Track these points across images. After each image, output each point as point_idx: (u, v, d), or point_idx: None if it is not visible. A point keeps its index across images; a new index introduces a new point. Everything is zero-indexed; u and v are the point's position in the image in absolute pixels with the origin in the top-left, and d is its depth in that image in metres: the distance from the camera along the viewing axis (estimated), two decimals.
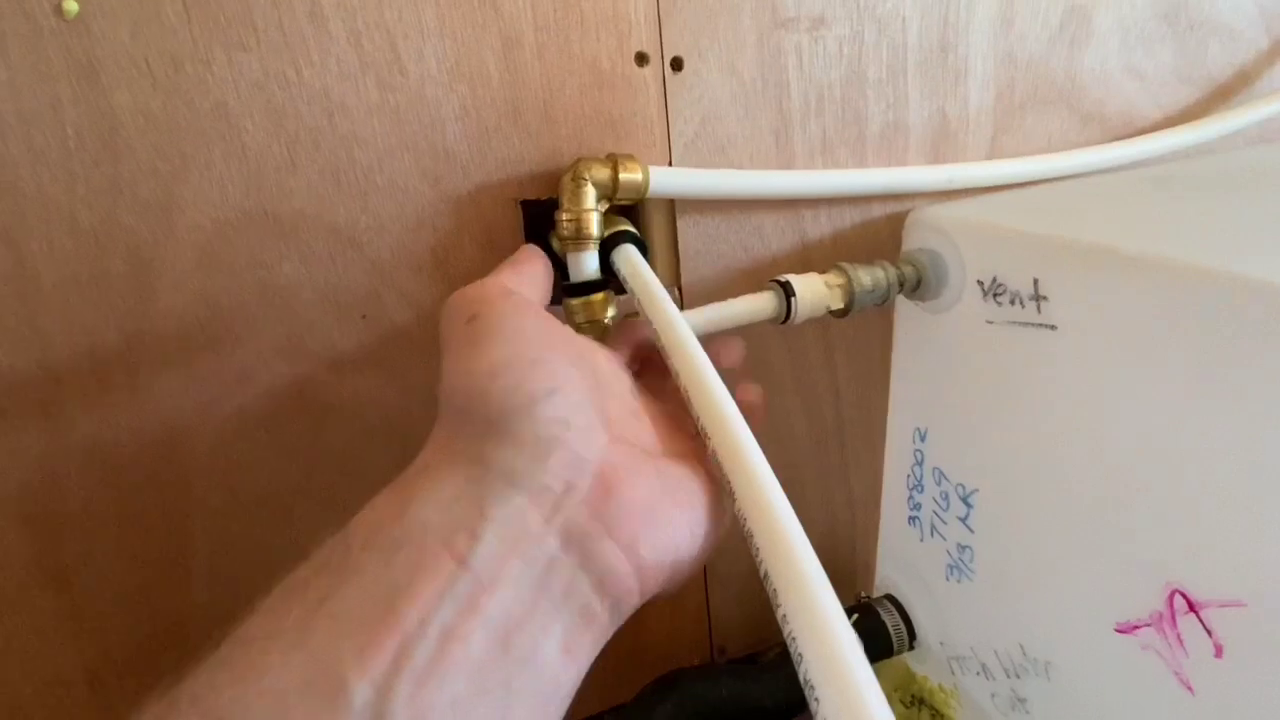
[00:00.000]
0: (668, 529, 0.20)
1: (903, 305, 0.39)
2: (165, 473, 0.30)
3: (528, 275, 0.25)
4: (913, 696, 0.47)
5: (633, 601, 0.19)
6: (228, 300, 0.29)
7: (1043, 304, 0.30)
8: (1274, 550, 0.22)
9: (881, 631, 0.45)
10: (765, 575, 0.19)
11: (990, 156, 0.39)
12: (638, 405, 0.24)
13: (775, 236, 0.37)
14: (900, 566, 0.45)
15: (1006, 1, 0.36)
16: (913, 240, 0.37)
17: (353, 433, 0.32)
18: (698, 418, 0.23)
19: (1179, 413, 0.25)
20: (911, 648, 0.45)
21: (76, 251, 0.27)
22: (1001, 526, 0.35)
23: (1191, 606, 0.25)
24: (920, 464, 0.40)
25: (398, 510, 0.17)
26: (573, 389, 0.20)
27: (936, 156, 0.38)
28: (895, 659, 0.46)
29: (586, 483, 0.19)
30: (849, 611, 0.45)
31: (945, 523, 0.39)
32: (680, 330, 0.26)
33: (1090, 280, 0.28)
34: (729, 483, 0.21)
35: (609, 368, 0.25)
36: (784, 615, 0.18)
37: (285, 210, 0.28)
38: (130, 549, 0.31)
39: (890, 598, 0.46)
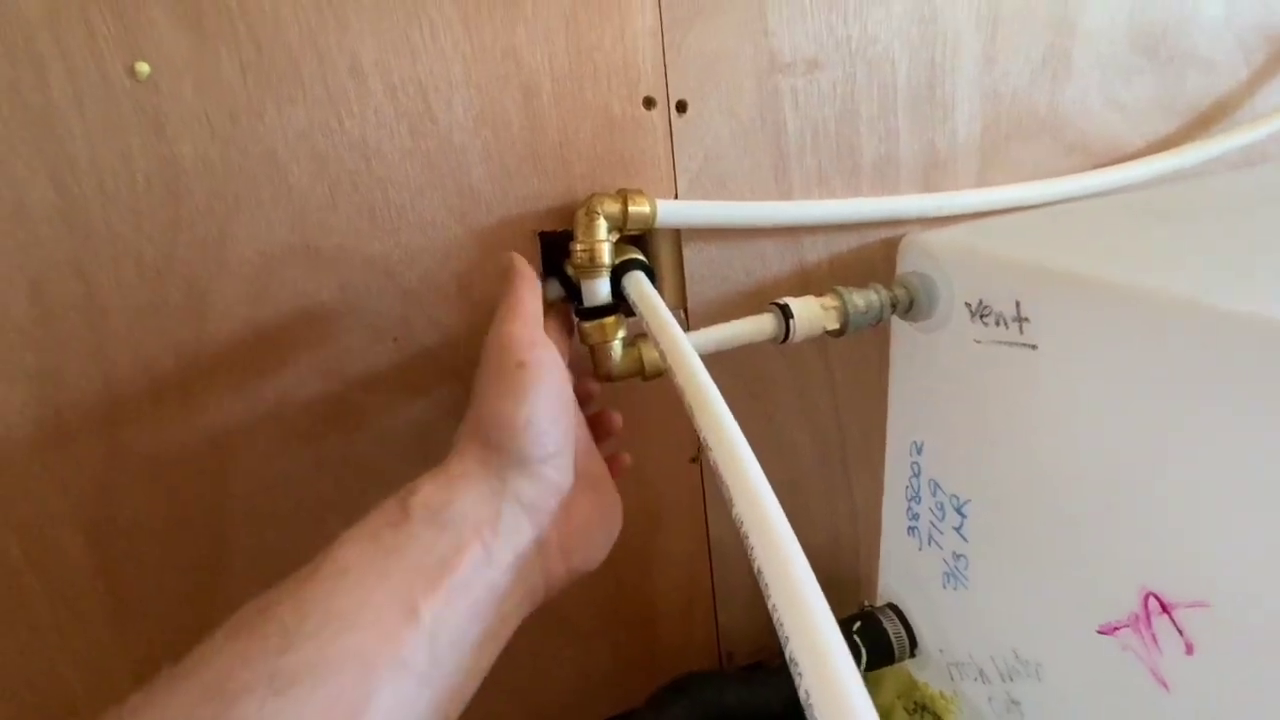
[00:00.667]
0: (594, 547, 0.29)
1: (898, 325, 0.42)
2: (210, 485, 0.33)
3: (534, 310, 0.28)
4: (915, 703, 0.48)
5: (559, 586, 0.27)
6: (273, 327, 0.31)
7: (1024, 325, 0.32)
8: (1232, 555, 0.24)
9: (884, 639, 0.46)
10: (766, 592, 0.21)
11: (979, 185, 0.41)
12: (590, 441, 0.30)
13: (776, 261, 0.39)
14: (901, 576, 0.47)
15: (989, 41, 0.39)
16: (906, 264, 0.39)
17: (381, 447, 0.35)
18: (701, 433, 0.25)
19: (1149, 430, 0.27)
20: (913, 655, 0.47)
21: (140, 284, 0.30)
22: (993, 535, 0.37)
23: (1164, 608, 0.27)
24: (917, 476, 0.42)
25: (446, 500, 0.24)
26: (570, 447, 0.27)
27: (927, 185, 0.40)
28: (899, 667, 0.48)
29: (557, 512, 0.27)
30: (852, 619, 0.47)
31: (941, 532, 0.40)
32: (684, 350, 0.28)
33: (1067, 304, 0.30)
34: (730, 497, 0.23)
35: (577, 414, 0.30)
36: (785, 635, 0.20)
37: (326, 245, 0.31)
38: (176, 555, 0.34)
39: (893, 606, 0.48)
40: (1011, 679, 0.37)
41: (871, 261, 0.41)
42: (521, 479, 0.25)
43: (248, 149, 0.29)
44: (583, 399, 0.34)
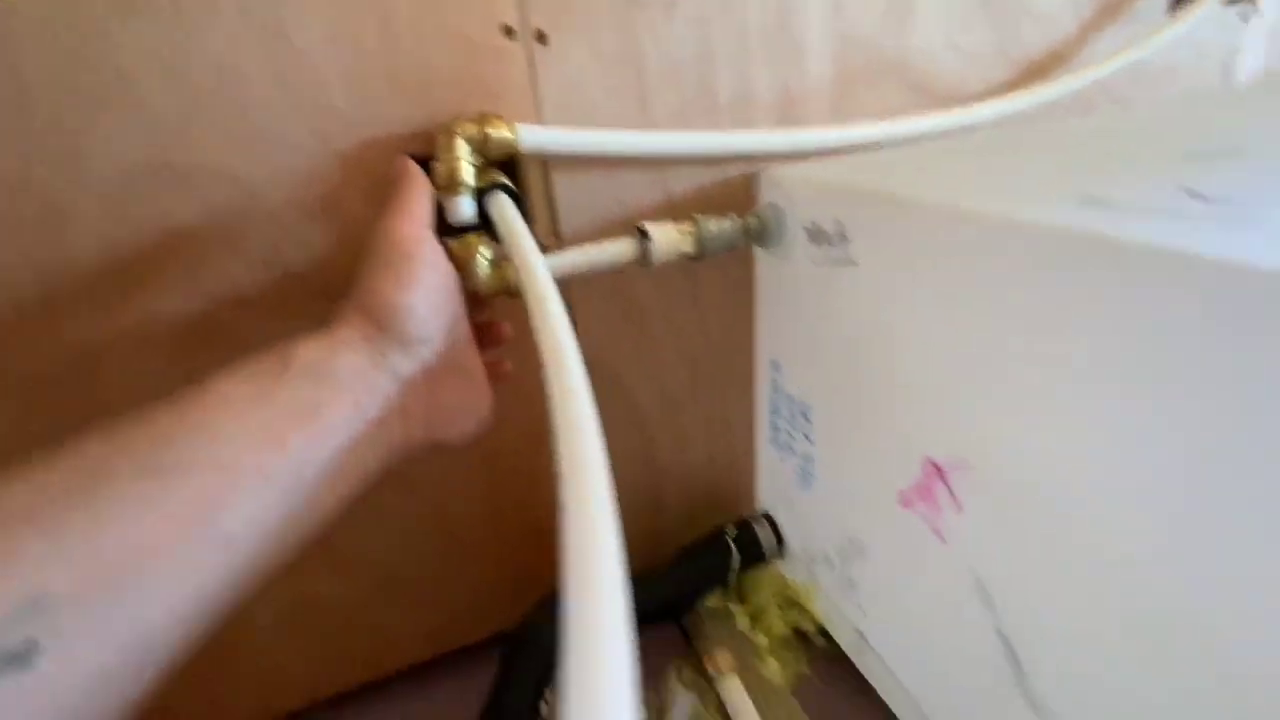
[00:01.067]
0: (456, 426, 0.32)
1: (759, 254, 0.45)
2: (80, 402, 0.34)
3: (422, 210, 0.31)
4: (787, 599, 0.54)
5: (419, 449, 0.31)
6: (136, 245, 0.32)
7: (847, 244, 0.36)
8: (988, 423, 0.29)
9: (755, 543, 0.52)
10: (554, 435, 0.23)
11: (831, 124, 0.45)
12: (470, 338, 0.34)
13: (644, 193, 0.42)
14: (771, 485, 0.52)
15: None
16: (761, 197, 0.43)
17: None
18: (537, 333, 0.28)
19: (931, 323, 0.31)
20: (782, 556, 0.52)
21: None
22: (830, 434, 0.42)
23: (939, 472, 0.32)
24: (777, 391, 0.46)
25: (325, 359, 0.26)
26: (446, 335, 0.31)
27: (783, 124, 0.44)
28: (775, 571, 0.53)
29: (426, 388, 0.30)
30: (733, 527, 0.51)
31: (794, 439, 0.45)
32: (534, 264, 0.31)
33: (876, 221, 0.34)
34: (549, 385, 0.26)
35: (462, 311, 0.33)
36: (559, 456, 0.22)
37: (184, 163, 0.32)
38: None
39: (766, 515, 0.53)
40: (848, 560, 0.42)
41: (734, 195, 0.44)
42: (398, 354, 0.28)
43: (95, 64, 0.29)
44: (478, 306, 0.36)
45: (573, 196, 0.40)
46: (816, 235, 0.38)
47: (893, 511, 0.36)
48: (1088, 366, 0.24)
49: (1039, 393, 0.26)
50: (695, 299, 0.47)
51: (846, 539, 0.42)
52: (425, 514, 0.46)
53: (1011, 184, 0.33)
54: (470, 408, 0.33)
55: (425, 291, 0.29)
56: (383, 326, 0.28)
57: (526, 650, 0.44)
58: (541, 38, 0.36)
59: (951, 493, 0.31)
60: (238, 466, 0.22)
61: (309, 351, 0.26)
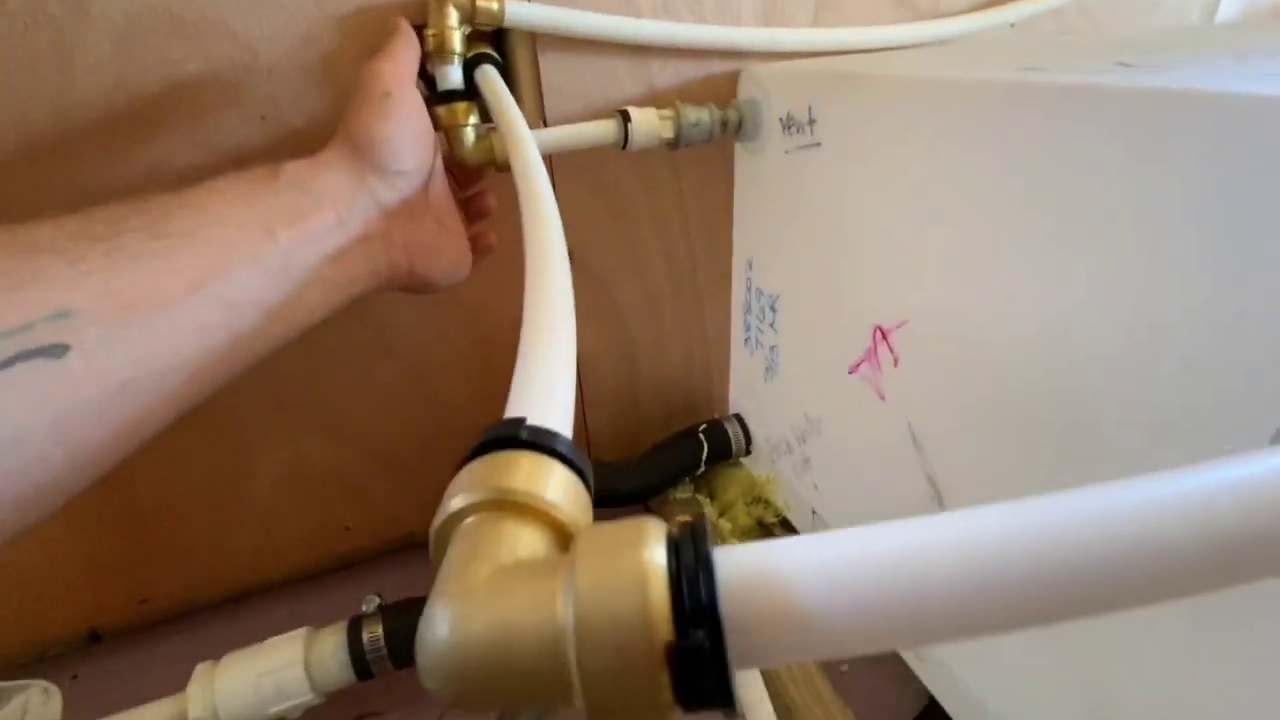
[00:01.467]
0: (435, 269, 0.35)
1: (739, 153, 0.47)
2: None
3: (407, 59, 0.33)
4: (755, 497, 0.57)
5: (401, 281, 0.33)
6: (143, 92, 0.34)
7: (814, 126, 0.38)
8: (925, 280, 0.31)
9: (724, 439, 0.55)
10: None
11: (813, 27, 0.46)
12: (450, 196, 0.37)
13: (628, 82, 0.44)
14: (742, 386, 0.55)
15: None
16: (742, 92, 0.45)
17: None
18: (520, 196, 0.30)
19: (883, 191, 0.33)
20: (749, 453, 0.55)
21: (8, 34, 0.32)
22: (793, 321, 0.44)
23: (884, 335, 0.34)
24: (749, 290, 0.49)
25: (311, 176, 0.29)
26: (424, 172, 0.33)
27: (766, 24, 0.45)
28: (744, 472, 0.56)
29: (406, 220, 0.32)
30: (702, 425, 0.54)
31: (762, 332, 0.48)
32: (521, 132, 0.33)
33: (842, 99, 0.36)
34: (527, 241, 0.27)
35: (439, 165, 0.36)
36: None
37: (188, 14, 0.34)
38: None
39: (737, 416, 0.56)
40: (805, 440, 0.45)
41: (717, 92, 0.46)
42: (378, 181, 0.31)
43: None
44: (466, 178, 0.40)
45: (558, 80, 0.42)
46: (789, 124, 0.40)
47: (844, 382, 0.38)
48: (1011, 210, 0.26)
49: (969, 243, 0.28)
50: (679, 201, 0.49)
51: (804, 418, 0.45)
52: (420, 394, 0.48)
53: (964, 65, 0.35)
54: (448, 255, 0.35)
55: (403, 126, 0.31)
56: (364, 154, 0.30)
57: None
58: None
59: (891, 349, 0.34)
60: (232, 246, 0.25)
61: (296, 168, 0.29)
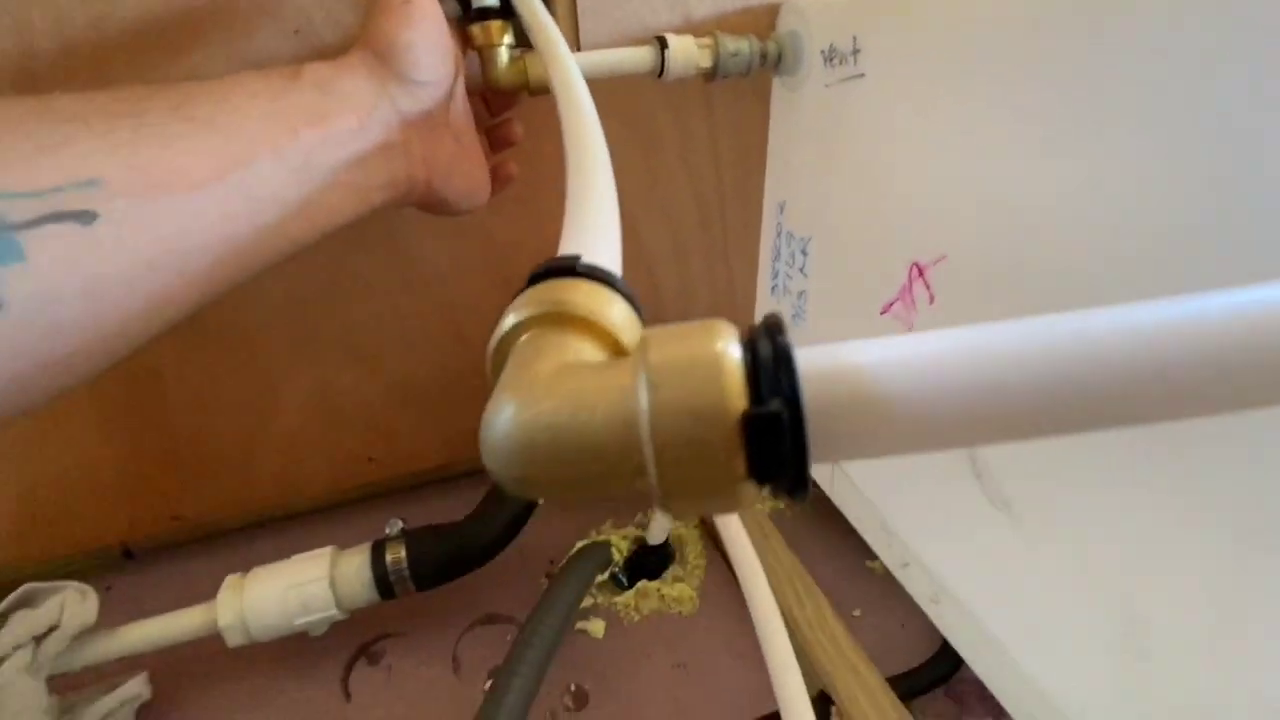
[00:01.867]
0: (453, 188, 0.34)
1: (776, 88, 0.46)
2: None
3: None
4: None
5: (419, 196, 0.33)
6: (178, 3, 0.34)
7: (858, 57, 0.37)
8: (962, 214, 0.30)
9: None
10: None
11: None
12: (470, 116, 0.36)
13: (664, 10, 0.42)
14: None
15: None
16: (782, 24, 0.43)
17: None
18: (562, 116, 0.29)
19: (927, 122, 0.32)
20: None
21: None
22: (824, 264, 0.43)
23: (920, 271, 0.33)
24: (779, 235, 0.48)
25: (333, 77, 0.29)
26: (444, 85, 0.32)
27: None
28: None
29: (425, 131, 0.32)
30: None
31: (791, 277, 0.47)
32: (562, 53, 0.32)
33: (886, 25, 0.34)
34: (569, 157, 0.27)
35: (461, 81, 0.35)
36: None
37: None
38: None
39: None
40: None
41: (755, 24, 0.44)
42: (399, 90, 0.30)
43: None
44: (497, 101, 0.40)
45: (594, 4, 0.41)
46: (831, 55, 0.39)
47: (874, 323, 0.38)
48: (1059, 134, 0.25)
49: (1012, 175, 0.27)
50: (712, 139, 0.48)
51: None
52: (448, 330, 0.49)
53: None
54: (467, 175, 0.35)
55: (424, 33, 0.31)
56: (384, 60, 0.30)
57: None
58: None
59: (927, 286, 0.33)
60: (255, 137, 0.25)
61: (318, 69, 0.29)
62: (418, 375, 0.50)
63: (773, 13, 0.44)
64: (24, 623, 0.36)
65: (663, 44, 0.39)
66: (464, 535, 0.43)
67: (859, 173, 0.38)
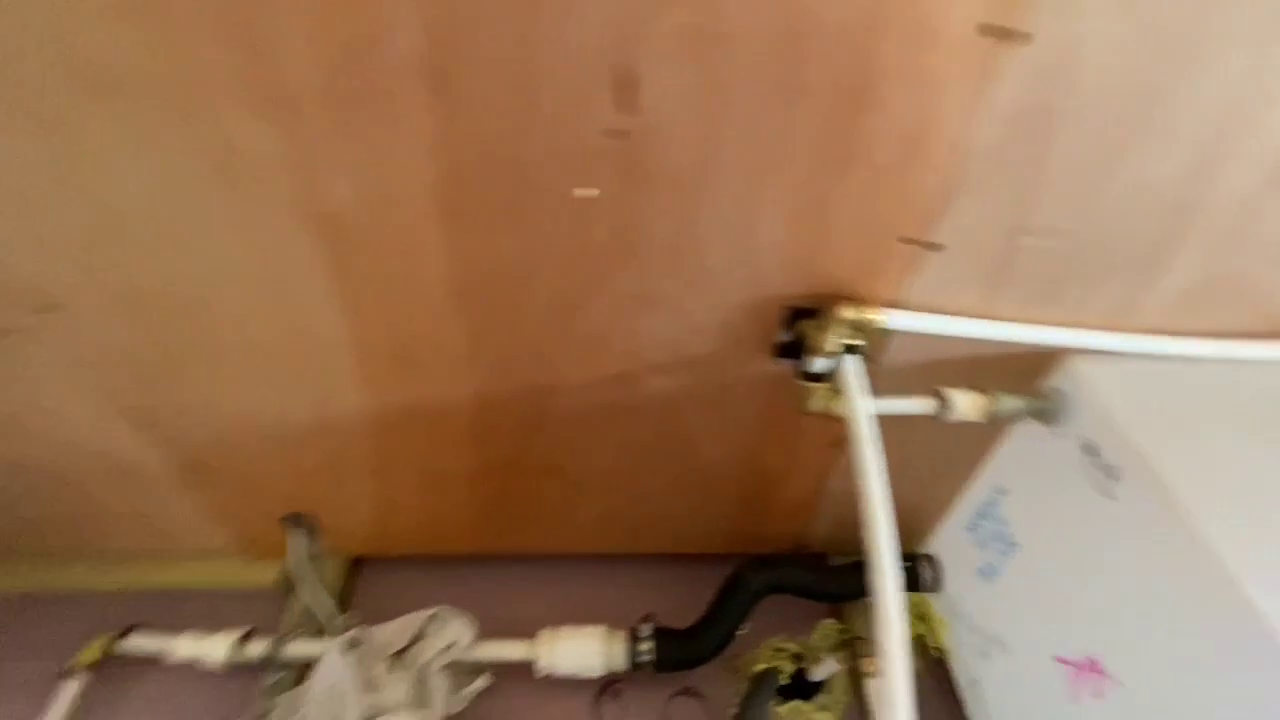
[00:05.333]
0: None
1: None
2: None
3: None
4: (919, 613, 0.70)
5: None
6: None
7: (1116, 483, 0.44)
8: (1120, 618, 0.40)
9: (920, 577, 0.67)
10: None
11: (1162, 327, 0.48)
12: None
13: (953, 347, 0.50)
14: (948, 545, 0.65)
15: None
16: (1058, 378, 0.49)
17: None
18: (856, 462, 0.42)
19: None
20: (935, 592, 0.68)
21: None
22: (1020, 575, 0.53)
23: (1093, 665, 0.44)
24: (993, 505, 0.57)
25: None
26: None
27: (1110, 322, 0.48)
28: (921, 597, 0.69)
29: None
30: (907, 557, 0.67)
31: (988, 549, 0.57)
32: (863, 422, 0.43)
33: (1150, 486, 0.42)
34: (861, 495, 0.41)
35: None
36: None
37: None
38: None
39: (930, 557, 0.67)
40: (987, 646, 0.57)
41: (1028, 367, 0.51)
42: None
43: None
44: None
45: (891, 359, 0.50)
46: (1090, 450, 0.46)
47: (1048, 663, 0.49)
48: None
49: None
50: None
51: (993, 638, 0.56)
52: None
53: None
54: None
55: None
56: None
57: (734, 590, 0.65)
58: (933, 247, 0.43)
59: (1100, 684, 0.44)
60: None
61: None
62: (648, 482, 0.67)
63: (1045, 359, 0.49)
64: (440, 636, 0.62)
65: (942, 398, 0.48)
66: (696, 644, 0.63)
67: (1075, 549, 0.47)
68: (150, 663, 0.65)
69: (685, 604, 0.66)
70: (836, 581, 0.68)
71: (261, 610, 0.69)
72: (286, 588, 0.70)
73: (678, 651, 0.63)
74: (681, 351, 0.51)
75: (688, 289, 0.46)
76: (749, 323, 0.49)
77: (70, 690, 0.63)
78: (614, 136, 0.38)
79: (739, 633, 0.64)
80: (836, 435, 0.58)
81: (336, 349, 0.49)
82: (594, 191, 0.41)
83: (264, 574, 0.72)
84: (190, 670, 0.64)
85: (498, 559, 0.76)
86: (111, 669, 0.66)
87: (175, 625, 0.65)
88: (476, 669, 0.64)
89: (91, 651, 0.65)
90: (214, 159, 0.38)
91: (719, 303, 0.47)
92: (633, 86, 0.36)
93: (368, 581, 0.75)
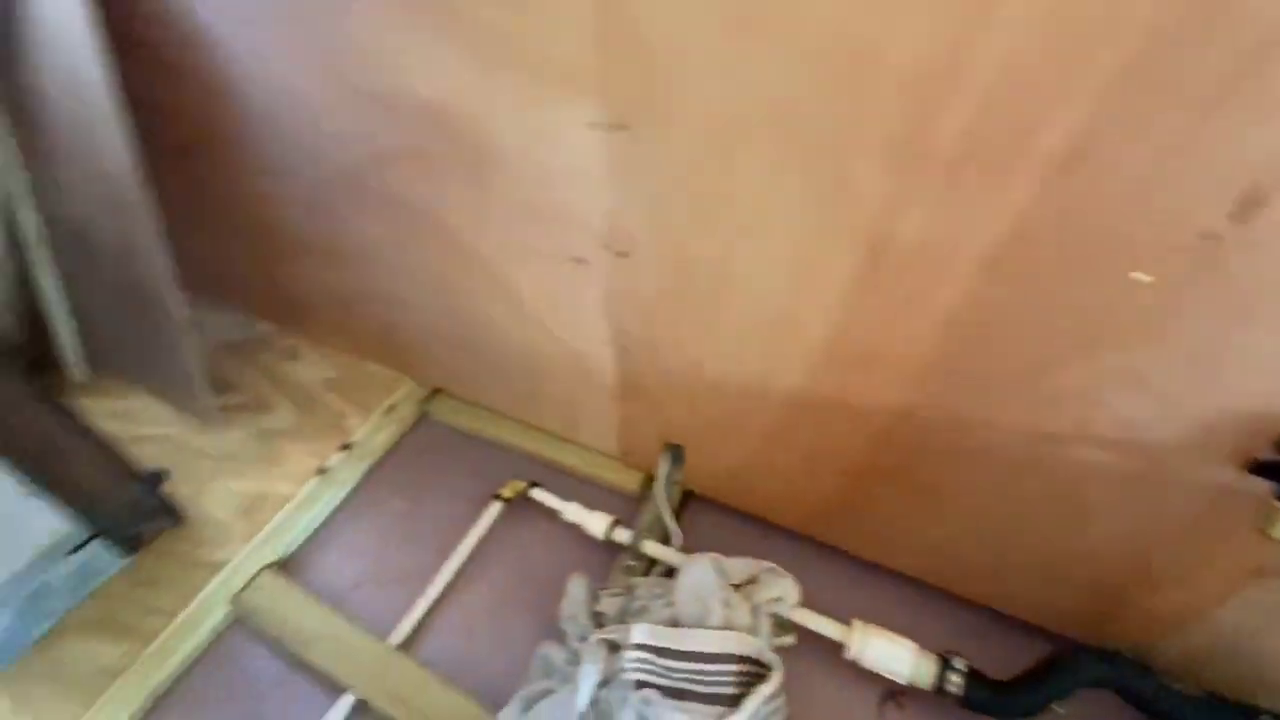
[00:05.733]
0: None
1: None
2: None
3: None
4: None
5: None
6: None
7: None
8: None
9: None
10: None
11: None
12: None
13: None
14: None
15: None
16: None
17: None
18: None
19: None
20: None
21: None
22: None
23: None
24: None
25: None
26: None
27: None
28: None
29: None
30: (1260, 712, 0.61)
31: None
32: None
33: None
34: None
35: None
36: None
37: None
38: None
39: None
40: None
41: None
42: None
43: None
44: None
45: None
46: None
47: None
48: None
49: None
50: None
51: None
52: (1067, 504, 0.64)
53: None
54: None
55: None
56: None
57: (1067, 666, 0.65)
58: None
59: None
60: None
61: None
62: (1010, 529, 0.68)
63: None
64: (771, 587, 0.72)
65: None
66: (1010, 698, 0.65)
67: None
68: (546, 514, 0.85)
69: (982, 663, 0.67)
70: (1186, 710, 0.64)
71: (619, 506, 0.85)
72: (644, 497, 0.87)
73: (990, 697, 0.65)
74: (1137, 435, 0.52)
75: (1187, 387, 0.47)
76: (1235, 432, 0.48)
77: (494, 509, 0.86)
78: (1206, 238, 0.40)
79: (1054, 708, 0.64)
80: (1263, 565, 0.55)
81: (812, 342, 0.59)
82: (1148, 278, 0.43)
83: (629, 480, 0.89)
84: (571, 530, 0.83)
85: (810, 542, 0.84)
86: (520, 507, 0.87)
87: (562, 493, 0.85)
88: (785, 628, 0.73)
89: (512, 488, 0.87)
90: (821, 189, 0.48)
91: (1213, 406, 0.47)
92: (1258, 204, 0.38)
93: (692, 513, 0.89)
